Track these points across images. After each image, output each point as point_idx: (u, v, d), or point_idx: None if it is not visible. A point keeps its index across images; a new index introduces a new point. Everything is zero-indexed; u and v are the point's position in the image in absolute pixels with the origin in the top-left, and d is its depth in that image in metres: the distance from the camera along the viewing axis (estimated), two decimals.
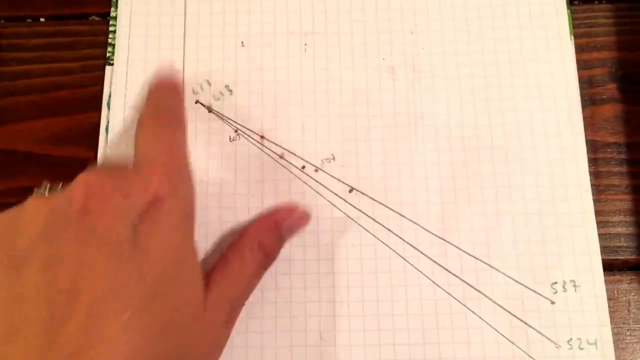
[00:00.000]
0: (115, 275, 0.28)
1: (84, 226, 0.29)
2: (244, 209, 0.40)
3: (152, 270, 0.29)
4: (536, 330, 0.38)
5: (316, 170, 0.40)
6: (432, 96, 0.42)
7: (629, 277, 0.39)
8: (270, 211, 0.38)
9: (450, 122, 0.41)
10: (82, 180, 0.30)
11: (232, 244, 0.36)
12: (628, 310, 0.39)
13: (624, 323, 0.39)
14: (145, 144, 0.34)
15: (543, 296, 0.38)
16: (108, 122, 0.42)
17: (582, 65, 0.43)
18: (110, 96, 0.42)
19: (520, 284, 0.38)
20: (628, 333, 0.38)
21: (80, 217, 0.29)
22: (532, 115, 0.41)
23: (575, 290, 0.38)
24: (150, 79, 0.36)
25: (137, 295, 0.28)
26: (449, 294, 0.38)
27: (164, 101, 0.36)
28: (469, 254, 0.39)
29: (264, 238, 0.36)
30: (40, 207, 0.30)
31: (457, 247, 0.39)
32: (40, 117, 0.43)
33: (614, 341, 0.38)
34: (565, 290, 0.38)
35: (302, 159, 0.41)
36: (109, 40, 0.43)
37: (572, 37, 0.42)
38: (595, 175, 0.41)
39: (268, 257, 0.36)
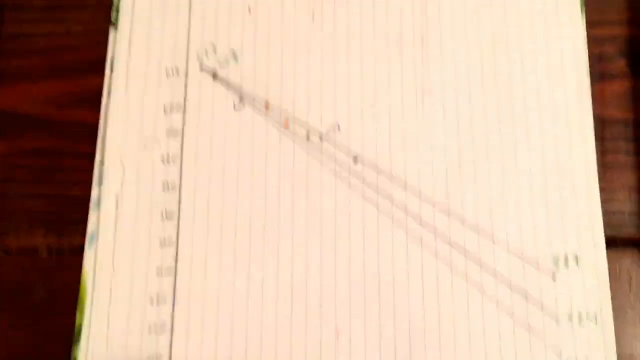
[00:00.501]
0: None
1: None
2: (247, 176, 0.41)
3: None
4: (536, 303, 0.37)
5: (321, 139, 0.40)
6: (440, 67, 0.42)
7: (632, 254, 0.39)
8: None
9: (457, 94, 0.41)
10: None
11: None
12: (630, 286, 0.39)
13: (625, 299, 0.39)
14: None
15: (544, 269, 0.38)
16: (110, 86, 0.41)
17: (592, 40, 0.42)
18: (113, 59, 0.41)
19: (522, 257, 0.38)
20: (629, 309, 0.39)
21: None
22: (540, 89, 0.41)
23: (577, 265, 0.38)
24: None
25: None
26: (450, 265, 0.38)
27: None
28: (473, 226, 0.38)
29: None
30: None
31: (460, 219, 0.39)
32: (44, 79, 0.43)
33: (615, 317, 0.38)
34: (567, 264, 0.38)
35: (306, 127, 0.40)
36: (114, 3, 0.42)
37: (584, 12, 0.42)
38: (602, 151, 0.41)
39: None
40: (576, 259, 0.38)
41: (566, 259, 0.38)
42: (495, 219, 0.39)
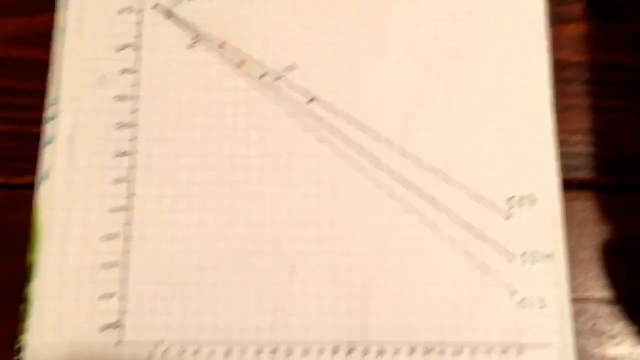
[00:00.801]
0: None
1: None
2: (201, 115, 0.40)
3: None
4: (491, 242, 0.38)
5: (276, 79, 0.40)
6: (400, 9, 0.42)
7: (586, 196, 0.40)
8: None
9: (416, 35, 0.41)
10: None
11: None
12: (583, 227, 0.39)
13: (578, 240, 0.39)
14: None
15: (499, 209, 0.38)
16: (64, 23, 0.40)
17: None
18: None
19: (477, 197, 0.38)
20: (582, 249, 0.39)
21: None
22: (497, 30, 0.41)
23: (532, 205, 0.38)
24: None
25: None
26: (406, 205, 0.38)
27: None
28: (428, 167, 0.39)
29: None
30: None
31: (416, 159, 0.39)
32: None
33: (568, 257, 0.39)
34: (522, 204, 0.38)
35: (262, 67, 0.40)
36: None
37: None
38: (558, 94, 0.41)
39: None
40: (531, 199, 0.38)
41: (521, 200, 0.38)
42: (451, 160, 0.40)
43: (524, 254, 0.38)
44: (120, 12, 0.41)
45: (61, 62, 0.41)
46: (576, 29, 0.42)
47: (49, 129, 0.40)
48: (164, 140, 0.40)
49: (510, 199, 0.38)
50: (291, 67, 0.40)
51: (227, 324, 0.38)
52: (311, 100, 0.39)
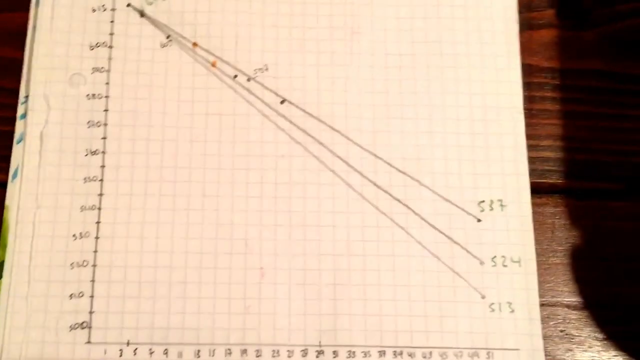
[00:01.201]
0: None
1: None
2: (173, 115, 0.40)
3: None
4: (461, 246, 0.38)
5: (248, 80, 0.41)
6: (370, 11, 0.42)
7: (555, 201, 0.40)
8: None
9: (386, 39, 0.42)
10: None
11: None
12: (552, 232, 0.40)
13: (547, 245, 0.40)
14: None
15: (469, 214, 0.39)
16: (36, 21, 0.40)
17: None
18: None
19: (448, 200, 0.39)
20: (552, 254, 0.40)
21: None
22: (468, 35, 0.42)
23: (502, 210, 0.39)
24: None
25: None
26: (376, 207, 0.38)
27: None
28: (399, 170, 0.39)
29: None
30: None
31: (387, 162, 0.39)
32: None
33: (538, 262, 0.39)
34: (492, 209, 0.39)
35: (234, 67, 0.40)
36: None
37: None
38: (528, 99, 0.42)
39: None
40: (501, 204, 0.39)
41: (491, 204, 0.39)
42: (421, 163, 0.40)
43: (494, 258, 0.38)
44: (94, 10, 0.41)
45: (32, 60, 0.41)
46: (547, 35, 0.42)
47: (19, 127, 0.39)
48: (135, 139, 0.40)
49: (481, 202, 0.38)
50: (262, 69, 0.40)
51: (196, 324, 0.38)
52: (283, 101, 0.39)
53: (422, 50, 0.41)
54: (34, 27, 0.41)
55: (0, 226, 0.38)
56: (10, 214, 0.38)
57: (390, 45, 0.41)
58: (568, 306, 0.39)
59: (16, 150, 0.39)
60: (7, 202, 0.39)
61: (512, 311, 0.38)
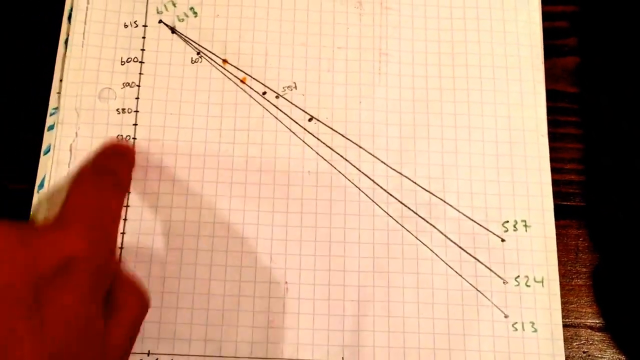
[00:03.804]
0: (8, 336, 0.26)
1: None
2: (202, 130, 0.41)
3: (52, 336, 0.27)
4: (485, 265, 0.39)
5: (277, 97, 0.42)
6: (398, 33, 0.44)
7: (579, 223, 0.41)
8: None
9: (414, 60, 0.43)
10: None
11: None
12: (576, 254, 0.41)
13: (571, 266, 0.41)
14: (76, 196, 0.33)
15: (494, 233, 0.39)
16: (68, 36, 0.42)
17: (546, 17, 0.45)
18: (71, 9, 0.43)
19: (472, 220, 0.40)
20: (575, 276, 0.40)
21: None
22: (494, 60, 0.43)
23: (526, 230, 0.40)
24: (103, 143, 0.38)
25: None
26: (401, 225, 0.39)
27: (112, 161, 0.37)
28: (424, 189, 0.40)
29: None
30: None
31: (412, 181, 0.40)
32: None
33: (562, 283, 0.40)
34: (516, 229, 0.40)
35: (263, 84, 0.42)
36: None
37: None
38: (553, 123, 0.43)
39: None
40: (525, 224, 0.40)
41: (515, 224, 0.40)
42: (446, 182, 0.41)
43: (517, 277, 0.39)
44: (125, 26, 0.43)
45: (63, 74, 0.42)
46: (571, 62, 0.44)
47: (47, 139, 0.41)
48: (163, 153, 0.41)
49: (505, 223, 0.39)
50: (291, 87, 0.42)
51: (219, 337, 0.38)
52: (311, 119, 0.41)
53: (448, 73, 0.42)
54: (66, 42, 0.42)
55: None
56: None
57: (418, 67, 0.43)
58: (591, 327, 0.40)
59: (43, 161, 0.40)
60: (33, 212, 0.40)
61: (535, 331, 0.39)
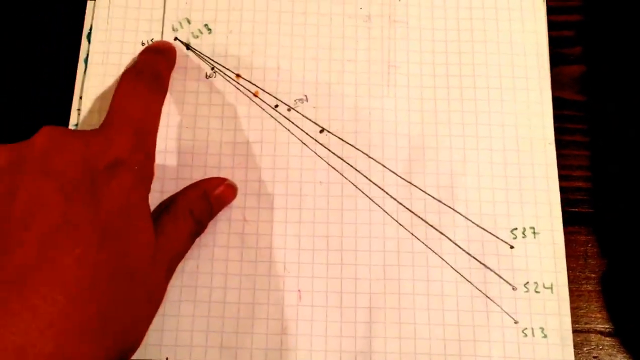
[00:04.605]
0: (69, 212, 0.31)
1: (42, 165, 0.32)
2: (216, 143, 0.43)
3: (106, 215, 0.32)
4: (494, 272, 0.40)
5: (289, 110, 0.43)
6: (406, 46, 0.45)
7: (588, 229, 0.42)
8: (199, 181, 0.41)
9: (422, 71, 0.44)
10: (46, 129, 0.33)
11: (166, 210, 0.38)
12: (585, 260, 0.42)
13: (580, 272, 0.41)
14: (122, 97, 0.37)
15: (502, 240, 0.40)
16: (87, 55, 0.43)
17: (552, 26, 0.46)
18: (91, 29, 0.44)
19: (481, 227, 0.41)
20: (584, 282, 0.41)
21: (39, 157, 0.32)
22: (501, 70, 0.44)
23: (535, 237, 0.41)
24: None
25: (89, 234, 0.31)
26: (411, 233, 0.40)
27: (154, 63, 0.40)
28: (433, 197, 0.41)
29: (194, 206, 0.39)
30: (2, 149, 0.32)
31: (422, 190, 0.41)
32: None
33: (571, 289, 0.41)
34: (524, 236, 0.41)
35: (275, 98, 0.43)
36: None
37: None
38: (560, 131, 0.43)
39: (199, 224, 0.39)
40: (534, 231, 0.41)
41: (524, 231, 0.41)
42: (455, 191, 0.42)
43: (526, 284, 0.40)
44: (142, 44, 0.44)
45: (83, 91, 0.44)
46: (577, 70, 0.45)
47: None
48: (179, 165, 0.42)
49: (514, 230, 0.40)
50: (302, 99, 0.43)
51: (234, 344, 0.40)
52: (322, 130, 0.42)
53: (456, 83, 0.44)
54: (86, 60, 0.44)
55: None
56: None
57: (426, 78, 0.44)
58: (601, 333, 0.40)
59: None
60: None
61: (545, 336, 0.39)
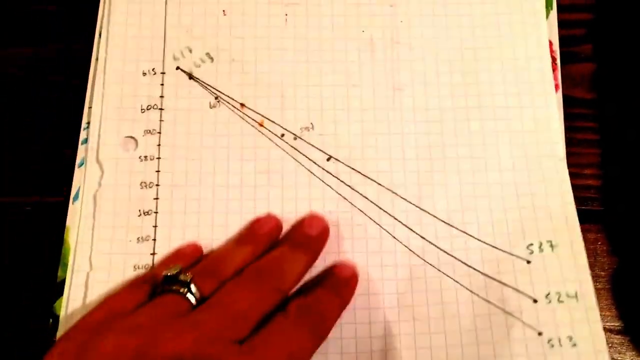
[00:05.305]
0: None
1: None
2: (223, 174, 0.42)
3: None
4: (511, 287, 0.40)
5: (295, 139, 0.43)
6: (410, 67, 0.44)
7: (597, 228, 0.43)
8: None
9: (427, 93, 0.44)
10: None
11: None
12: (594, 258, 0.42)
13: (591, 271, 0.41)
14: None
15: (519, 257, 0.41)
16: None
17: (562, 25, 0.46)
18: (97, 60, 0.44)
19: (495, 247, 0.41)
20: (594, 279, 0.41)
21: None
22: (506, 88, 0.44)
23: (552, 250, 0.41)
24: None
25: None
26: (423, 260, 0.40)
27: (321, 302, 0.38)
28: (444, 222, 0.41)
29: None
30: None
31: (432, 215, 0.41)
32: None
33: None
34: (541, 250, 0.41)
35: (281, 126, 0.43)
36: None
37: (549, 11, 0.46)
38: (570, 129, 0.44)
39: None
40: (551, 244, 0.41)
41: (540, 246, 0.41)
42: (466, 214, 0.42)
43: (547, 295, 0.40)
44: (144, 74, 0.44)
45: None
46: (587, 68, 0.45)
47: (80, 152, 0.43)
48: (187, 199, 0.42)
49: (530, 245, 0.41)
50: (308, 127, 0.43)
51: None
52: (329, 158, 0.42)
53: (461, 104, 0.44)
54: (91, 96, 0.43)
55: (62, 246, 0.41)
56: (71, 235, 0.41)
57: (431, 100, 0.44)
58: (610, 330, 0.41)
59: (78, 174, 0.42)
60: (69, 223, 0.41)
61: (575, 345, 0.39)
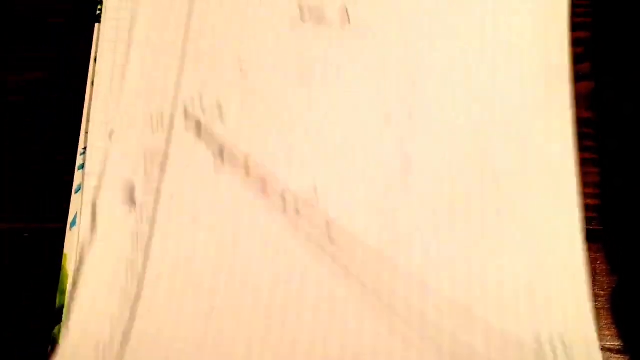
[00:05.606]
0: None
1: None
2: (215, 245, 0.42)
3: None
4: None
5: (297, 213, 0.41)
6: (421, 135, 0.43)
7: (596, 247, 0.42)
8: None
9: (437, 161, 0.42)
10: None
11: None
12: (594, 277, 0.42)
13: (589, 289, 0.41)
14: None
15: (528, 352, 0.38)
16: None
17: None
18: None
19: (504, 336, 0.39)
20: (593, 299, 0.40)
21: None
22: (524, 162, 0.43)
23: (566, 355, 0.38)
24: None
25: None
26: (423, 341, 0.38)
27: None
28: (449, 301, 0.39)
29: None
30: None
31: (436, 293, 0.39)
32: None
33: None
34: (554, 348, 0.39)
35: (284, 196, 0.42)
36: None
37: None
38: None
39: None
40: (565, 345, 0.39)
41: (552, 341, 0.39)
42: (474, 293, 0.40)
43: None
44: (152, 130, 0.43)
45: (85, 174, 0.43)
46: (585, 87, 0.45)
47: (77, 178, 0.43)
48: (179, 263, 0.41)
49: (539, 338, 0.39)
50: (314, 199, 0.41)
51: None
52: (332, 240, 0.41)
53: (477, 190, 0.41)
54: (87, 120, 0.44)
55: (59, 273, 0.41)
56: (68, 262, 0.41)
57: (440, 168, 0.42)
58: (610, 350, 0.40)
59: (75, 200, 0.42)
60: (66, 250, 0.42)
61: None
